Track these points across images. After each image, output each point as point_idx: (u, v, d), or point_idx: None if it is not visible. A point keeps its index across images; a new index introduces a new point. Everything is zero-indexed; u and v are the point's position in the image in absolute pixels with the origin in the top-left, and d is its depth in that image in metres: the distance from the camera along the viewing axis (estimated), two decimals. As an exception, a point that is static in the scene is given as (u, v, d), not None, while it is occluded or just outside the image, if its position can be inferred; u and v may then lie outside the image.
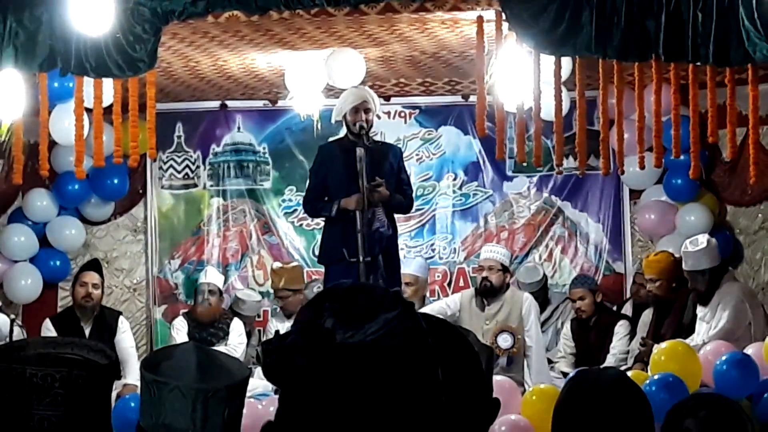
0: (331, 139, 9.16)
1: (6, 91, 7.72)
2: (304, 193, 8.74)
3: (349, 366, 1.63)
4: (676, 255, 8.62)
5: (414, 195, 8.68)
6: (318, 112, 9.60)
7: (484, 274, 8.93)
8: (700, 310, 8.40)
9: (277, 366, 1.68)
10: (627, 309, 9.57)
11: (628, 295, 9.89)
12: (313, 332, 1.66)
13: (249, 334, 9.78)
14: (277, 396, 7.56)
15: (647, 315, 8.99)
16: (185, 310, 9.88)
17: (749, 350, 7.63)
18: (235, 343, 9.39)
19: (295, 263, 10.00)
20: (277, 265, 9.94)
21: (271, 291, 10.35)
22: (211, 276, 9.69)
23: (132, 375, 8.76)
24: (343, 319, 1.65)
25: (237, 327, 9.52)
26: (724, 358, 7.46)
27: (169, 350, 2.77)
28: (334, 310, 1.67)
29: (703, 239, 8.44)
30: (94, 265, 9.38)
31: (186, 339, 9.15)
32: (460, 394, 1.71)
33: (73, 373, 2.29)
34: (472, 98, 9.32)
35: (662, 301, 8.74)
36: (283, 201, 10.57)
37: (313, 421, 1.65)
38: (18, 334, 8.44)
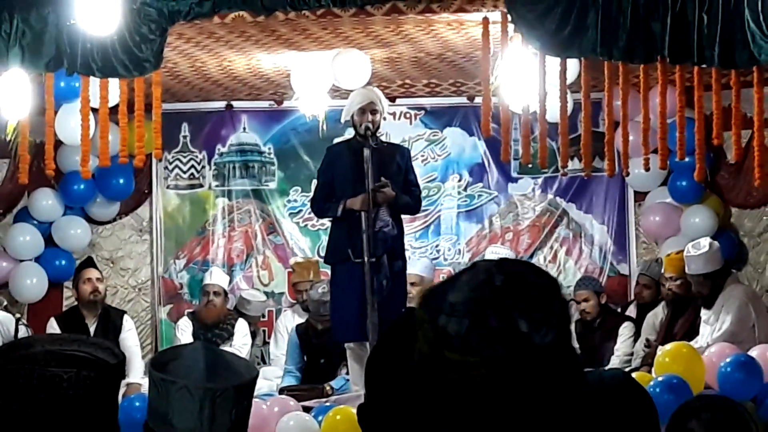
0: (338, 139, 9.18)
1: (12, 91, 7.75)
2: (309, 194, 8.76)
3: (554, 369, 1.64)
4: (684, 255, 8.61)
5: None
6: (323, 112, 9.60)
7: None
8: (704, 313, 8.42)
9: (485, 380, 1.65)
10: (631, 310, 9.57)
11: (632, 297, 9.89)
12: (513, 340, 1.64)
13: (254, 335, 9.79)
14: (283, 396, 7.49)
15: (652, 317, 9.00)
16: (190, 311, 9.89)
17: (753, 352, 7.64)
18: (240, 343, 9.40)
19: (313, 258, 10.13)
20: (298, 259, 10.04)
21: (276, 292, 10.38)
22: (216, 277, 9.70)
23: (136, 374, 8.78)
24: (532, 318, 1.64)
25: (242, 328, 9.53)
26: (728, 360, 7.47)
27: (178, 350, 2.77)
28: (521, 310, 1.65)
29: (705, 243, 8.45)
30: (91, 262, 9.41)
31: (191, 339, 9.16)
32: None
33: (81, 374, 2.29)
34: (478, 99, 9.33)
35: (679, 300, 8.75)
36: (289, 201, 10.57)
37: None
38: (23, 333, 8.45)
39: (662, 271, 9.13)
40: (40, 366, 2.29)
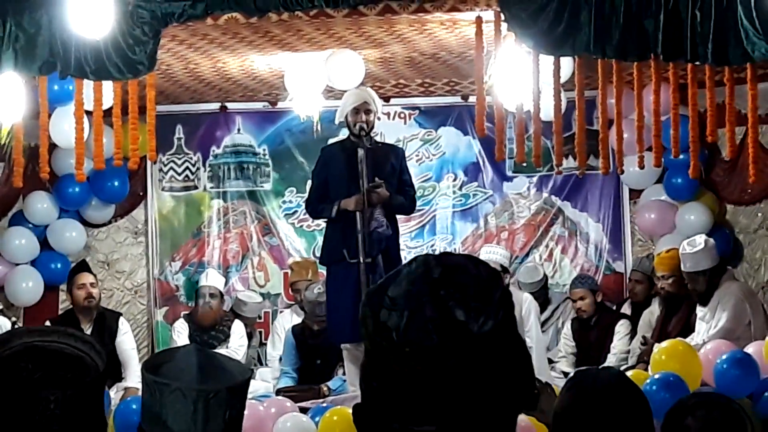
0: (333, 140, 9.18)
1: (6, 94, 7.73)
2: (304, 195, 8.77)
3: (491, 355, 1.65)
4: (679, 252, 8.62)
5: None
6: (318, 113, 9.60)
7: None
8: (700, 310, 8.42)
9: (425, 370, 1.67)
10: (626, 308, 9.58)
11: (627, 295, 9.90)
12: (449, 327, 1.66)
13: (250, 336, 9.79)
14: (279, 397, 7.52)
15: (648, 314, 9.01)
16: (186, 313, 9.89)
17: (749, 349, 7.64)
18: (236, 345, 9.40)
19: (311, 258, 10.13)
20: (296, 258, 10.06)
21: (272, 293, 10.38)
22: (212, 279, 9.70)
23: (133, 377, 8.76)
24: (469, 307, 1.66)
25: (238, 330, 9.53)
26: (724, 357, 7.47)
27: (170, 352, 2.78)
28: (459, 300, 1.67)
29: (700, 240, 8.46)
30: (85, 266, 9.38)
31: (187, 341, 9.16)
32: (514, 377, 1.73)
33: (68, 393, 2.30)
34: (472, 99, 9.34)
35: (672, 298, 8.76)
36: (284, 202, 10.57)
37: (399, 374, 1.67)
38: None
39: (653, 269, 9.14)
40: (24, 381, 2.29)
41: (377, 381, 1.73)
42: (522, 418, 7.18)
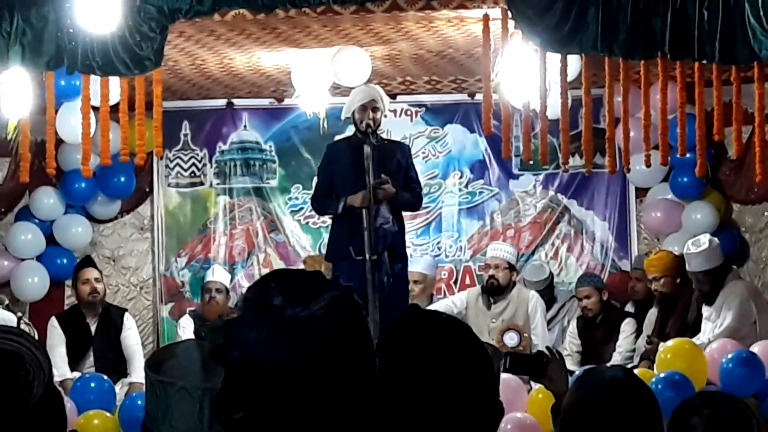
0: (339, 137, 9.17)
1: (13, 90, 7.74)
2: (310, 192, 8.77)
3: (299, 338, 1.68)
4: (684, 252, 8.61)
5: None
6: (324, 110, 9.60)
7: (491, 272, 8.95)
8: (706, 310, 8.41)
9: (228, 342, 1.73)
10: (629, 306, 9.57)
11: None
12: (263, 308, 1.71)
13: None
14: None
15: (652, 313, 9.00)
16: (192, 309, 9.89)
17: (755, 348, 7.64)
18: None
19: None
20: (311, 253, 10.06)
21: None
22: (218, 274, 9.70)
23: (138, 373, 8.76)
24: (290, 296, 1.70)
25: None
26: (730, 356, 7.47)
27: (172, 348, 2.77)
28: (281, 290, 1.72)
29: (705, 239, 8.45)
30: (90, 261, 9.38)
31: (192, 337, 9.16)
32: (467, 394, 1.73)
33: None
34: (478, 96, 9.33)
35: (667, 299, 8.76)
36: (290, 199, 10.57)
37: (260, 395, 1.70)
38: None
39: (637, 267, 9.15)
40: None
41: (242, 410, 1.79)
42: (525, 416, 7.18)
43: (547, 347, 4.18)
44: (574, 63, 7.89)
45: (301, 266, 10.20)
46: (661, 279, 8.77)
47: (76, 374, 8.59)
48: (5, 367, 2.30)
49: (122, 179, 9.97)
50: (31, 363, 2.37)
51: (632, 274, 9.61)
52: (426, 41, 8.81)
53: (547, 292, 9.68)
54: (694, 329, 8.43)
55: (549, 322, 9.42)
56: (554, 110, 7.77)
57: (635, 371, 6.98)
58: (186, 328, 9.52)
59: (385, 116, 8.42)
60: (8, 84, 7.73)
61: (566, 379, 3.88)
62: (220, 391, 1.78)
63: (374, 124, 7.99)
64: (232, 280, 10.10)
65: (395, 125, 10.29)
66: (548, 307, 9.49)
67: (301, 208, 10.48)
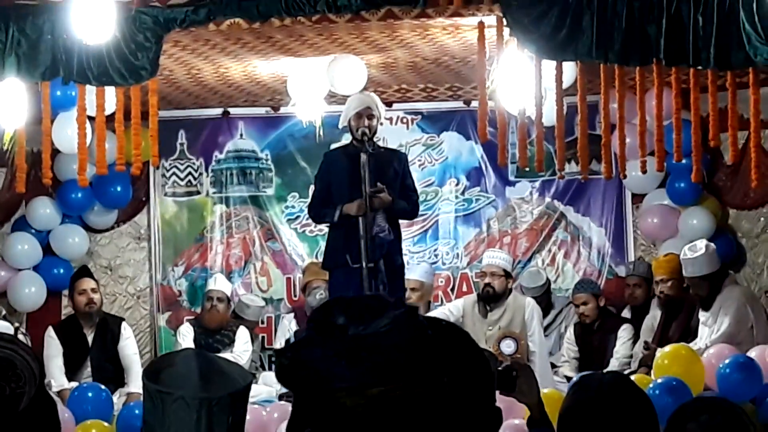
0: (336, 145, 9.18)
1: (9, 100, 7.74)
2: (307, 200, 8.78)
3: (365, 355, 1.70)
4: (680, 258, 8.62)
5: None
6: (320, 118, 9.61)
7: (487, 280, 8.95)
8: (702, 315, 8.42)
9: (294, 362, 1.75)
10: (626, 312, 9.57)
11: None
12: (327, 328, 1.73)
13: (252, 341, 9.78)
14: (283, 402, 7.54)
15: (650, 319, 9.00)
16: (190, 317, 9.89)
17: (752, 353, 7.64)
18: (241, 350, 9.40)
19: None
20: (313, 260, 10.04)
21: (275, 298, 10.38)
22: (221, 283, 9.71)
23: (135, 382, 8.75)
24: (354, 316, 1.72)
25: (242, 335, 9.54)
26: (727, 361, 7.47)
27: (170, 357, 2.77)
28: (344, 310, 1.74)
29: (701, 245, 8.46)
30: (86, 272, 9.37)
31: (192, 345, 9.16)
32: (467, 400, 1.74)
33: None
34: (474, 104, 9.35)
35: (672, 302, 8.76)
36: (286, 207, 10.57)
37: (329, 413, 1.71)
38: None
39: (652, 272, 9.14)
40: None
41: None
42: (522, 423, 7.18)
43: (516, 361, 4.17)
44: (570, 70, 7.90)
45: (300, 275, 10.22)
46: (668, 281, 8.78)
47: (74, 384, 8.58)
48: None
49: (119, 189, 9.98)
50: (22, 369, 2.37)
51: (629, 281, 9.61)
52: (421, 49, 8.82)
53: (544, 298, 9.69)
54: (696, 335, 8.45)
55: (546, 328, 9.42)
56: (550, 117, 7.78)
57: (632, 377, 7.01)
58: (185, 336, 9.52)
59: (381, 124, 8.42)
60: (4, 94, 7.73)
61: (537, 390, 3.84)
62: (292, 413, 1.81)
63: (370, 132, 8.00)
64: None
65: (391, 133, 10.29)
66: (545, 313, 9.50)
67: (298, 217, 10.48)
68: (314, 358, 1.72)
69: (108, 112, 7.85)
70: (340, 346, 1.71)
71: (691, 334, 8.49)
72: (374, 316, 1.74)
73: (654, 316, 9.02)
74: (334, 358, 1.71)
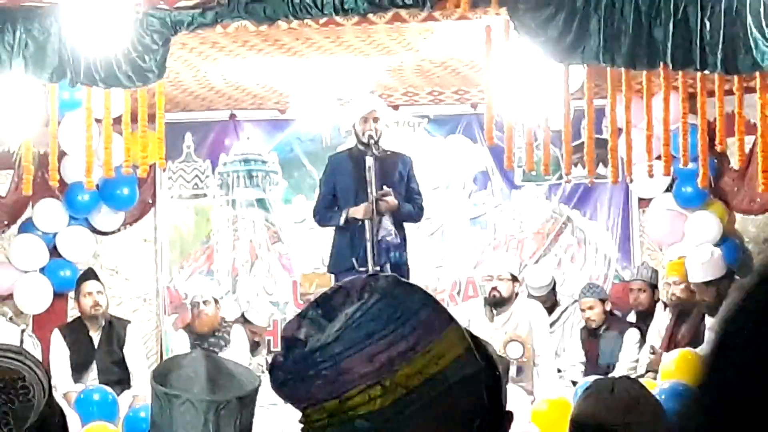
0: (341, 148, 9.17)
1: (22, 107, 7.75)
2: (313, 203, 8.77)
3: (318, 371, 1.68)
4: (686, 263, 8.62)
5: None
6: (326, 121, 9.61)
7: (493, 284, 8.94)
8: (709, 321, 8.41)
9: (274, 383, 1.74)
10: (631, 317, 9.56)
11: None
12: (290, 345, 1.71)
13: (258, 344, 9.76)
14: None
15: (657, 323, 8.99)
16: (182, 326, 9.81)
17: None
18: (238, 350, 9.34)
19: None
20: (307, 271, 10.02)
21: (281, 301, 10.37)
22: (201, 287, 9.59)
23: (141, 385, 8.74)
24: (314, 325, 1.70)
25: (238, 334, 9.43)
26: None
27: (177, 359, 2.76)
28: (310, 319, 1.72)
29: (707, 251, 8.45)
30: (92, 274, 9.35)
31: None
32: (480, 402, 1.73)
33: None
34: (481, 107, 9.34)
35: (683, 305, 8.75)
36: (293, 210, 10.57)
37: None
38: (29, 344, 8.46)
39: (665, 275, 9.14)
40: None
41: None
42: (530, 426, 7.17)
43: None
44: (577, 73, 7.90)
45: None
46: (681, 284, 8.77)
47: (80, 387, 8.58)
48: (5, 386, 2.29)
49: (125, 191, 9.97)
50: (31, 382, 2.37)
51: (633, 286, 9.59)
52: (428, 52, 8.81)
53: (550, 296, 9.71)
54: (705, 340, 8.44)
55: (551, 324, 9.43)
56: (557, 121, 7.78)
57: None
58: (181, 344, 9.42)
59: (387, 127, 8.42)
60: (16, 100, 7.73)
61: None
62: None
63: (376, 135, 8.00)
64: (234, 292, 10.09)
65: (398, 136, 10.29)
66: (550, 312, 9.51)
67: (304, 219, 10.48)
68: (282, 381, 1.71)
69: (115, 114, 7.86)
70: (299, 365, 1.69)
71: (701, 338, 8.47)
72: (330, 318, 1.71)
73: (661, 320, 9.00)
74: (291, 380, 1.70)
